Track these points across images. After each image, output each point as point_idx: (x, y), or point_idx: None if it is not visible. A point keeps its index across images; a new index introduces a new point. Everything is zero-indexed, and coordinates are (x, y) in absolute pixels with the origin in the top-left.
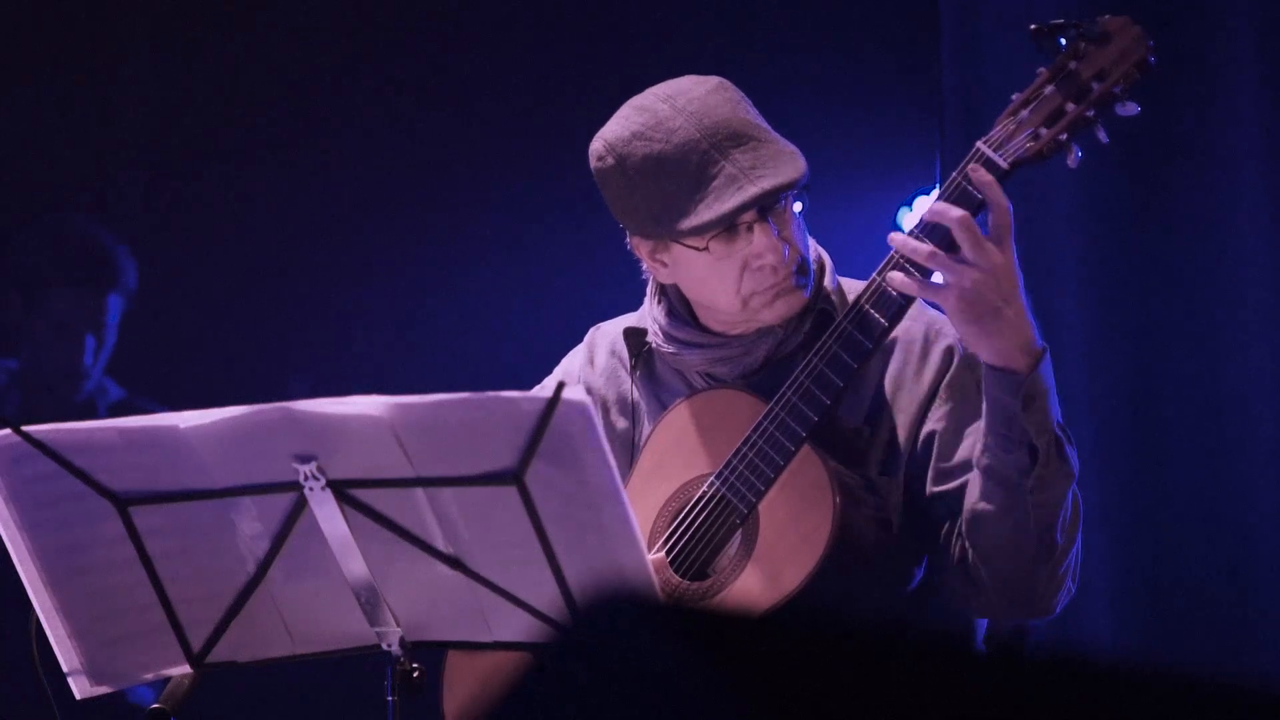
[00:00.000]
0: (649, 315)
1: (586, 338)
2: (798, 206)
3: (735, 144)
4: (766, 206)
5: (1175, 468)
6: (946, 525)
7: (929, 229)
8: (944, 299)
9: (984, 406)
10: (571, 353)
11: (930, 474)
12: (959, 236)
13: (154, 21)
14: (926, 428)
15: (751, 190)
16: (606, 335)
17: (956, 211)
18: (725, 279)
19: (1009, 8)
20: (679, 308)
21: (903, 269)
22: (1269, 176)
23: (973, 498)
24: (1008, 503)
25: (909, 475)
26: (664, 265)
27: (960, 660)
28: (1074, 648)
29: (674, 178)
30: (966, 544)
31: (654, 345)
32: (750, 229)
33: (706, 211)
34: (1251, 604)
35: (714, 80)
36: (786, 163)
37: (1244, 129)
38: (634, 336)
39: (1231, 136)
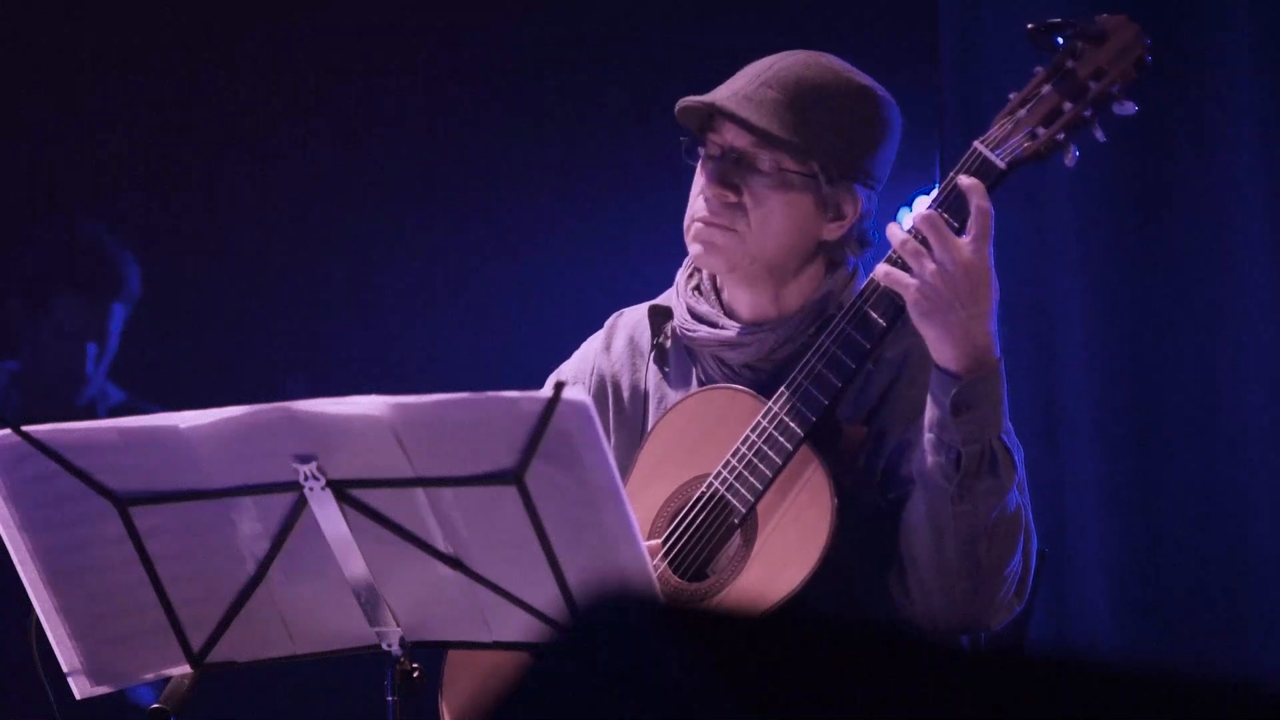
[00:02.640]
0: (676, 290)
1: (607, 322)
2: (763, 168)
3: (766, 84)
4: (716, 155)
5: (1174, 458)
6: (895, 529)
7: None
8: (905, 289)
9: (928, 403)
10: (591, 337)
11: (894, 482)
12: (925, 232)
13: (158, 28)
14: (905, 437)
15: (685, 99)
16: (627, 321)
17: (924, 210)
18: (692, 192)
19: (1009, 8)
20: (706, 283)
21: (897, 264)
22: (1267, 169)
23: (910, 501)
24: (931, 507)
25: (884, 476)
26: None
27: (959, 660)
28: (1073, 647)
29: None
30: (900, 549)
31: (676, 326)
32: (723, 155)
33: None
34: (1250, 600)
35: (860, 80)
36: (758, 112)
37: (1242, 122)
38: (658, 316)
39: (1230, 130)
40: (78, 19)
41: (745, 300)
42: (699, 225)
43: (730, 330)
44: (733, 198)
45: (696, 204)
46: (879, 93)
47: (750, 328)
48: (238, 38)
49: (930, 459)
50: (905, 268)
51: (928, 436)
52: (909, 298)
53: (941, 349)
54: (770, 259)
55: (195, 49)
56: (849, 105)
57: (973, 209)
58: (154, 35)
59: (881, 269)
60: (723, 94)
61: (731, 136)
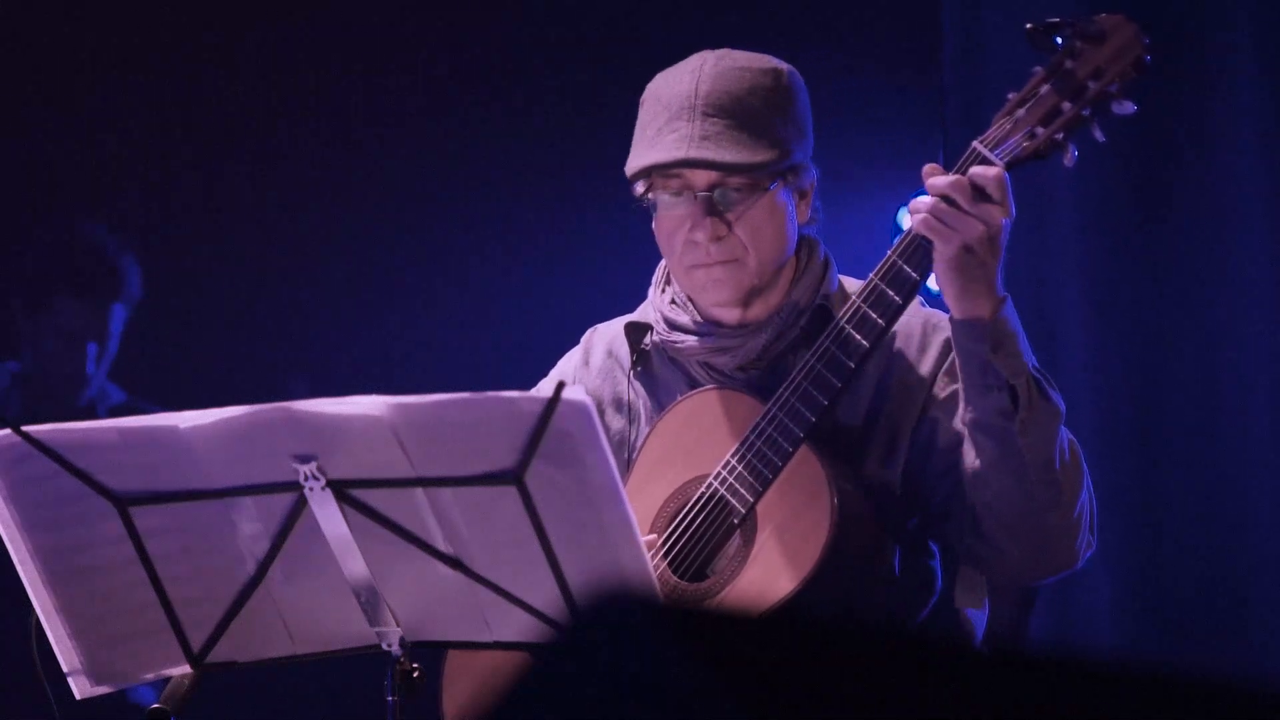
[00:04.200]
0: (652, 306)
1: (583, 339)
2: (767, 199)
3: (705, 114)
4: (709, 188)
5: (1174, 465)
6: (955, 499)
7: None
8: (950, 245)
9: (957, 362)
10: (567, 354)
11: (935, 456)
12: (955, 195)
13: (158, 28)
14: (929, 414)
15: (651, 157)
16: (604, 336)
17: (949, 177)
18: (669, 240)
19: (1010, 8)
20: (680, 295)
21: (908, 263)
22: (1267, 170)
23: (969, 458)
24: (1000, 451)
25: (910, 464)
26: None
27: (960, 660)
28: (1074, 647)
29: (649, 115)
30: (977, 507)
31: (656, 338)
32: (696, 198)
33: (634, 157)
34: (1250, 600)
35: (767, 63)
36: (722, 147)
37: (1243, 127)
38: (635, 331)
39: (1230, 134)
40: (78, 19)
41: (731, 310)
42: (701, 271)
43: (716, 335)
44: (724, 231)
45: (690, 250)
46: (783, 66)
47: (737, 330)
48: (238, 38)
49: (980, 405)
50: (917, 250)
51: (970, 388)
52: (948, 255)
53: (969, 300)
54: (772, 265)
55: (195, 49)
56: (775, 97)
57: (987, 179)
58: (154, 35)
59: (920, 218)
60: (672, 145)
61: (700, 177)
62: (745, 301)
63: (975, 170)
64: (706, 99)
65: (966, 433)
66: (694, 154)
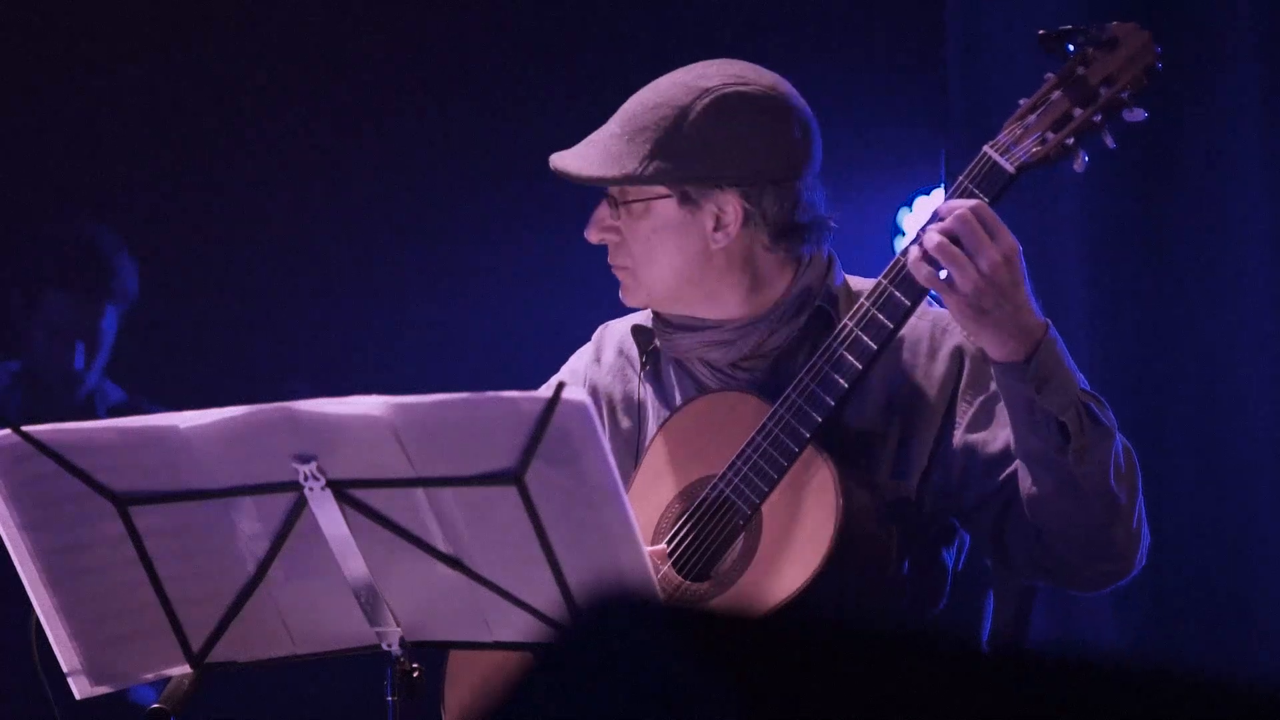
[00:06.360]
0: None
1: (594, 335)
2: (640, 208)
3: (615, 121)
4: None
5: (1176, 468)
6: (1008, 517)
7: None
8: (949, 297)
9: (1003, 399)
10: (579, 351)
11: (974, 478)
12: (962, 235)
13: (155, 25)
14: (959, 435)
15: (551, 158)
16: (615, 333)
17: (959, 213)
18: None
19: (1014, 10)
20: None
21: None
22: (1269, 180)
23: (1025, 484)
24: (1057, 483)
25: (938, 480)
26: None
27: (962, 660)
28: (1074, 647)
29: None
30: (1039, 527)
31: (657, 341)
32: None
33: None
34: (1250, 600)
35: (710, 81)
36: (587, 158)
37: (1245, 133)
38: (642, 334)
39: (1232, 140)
40: (77, 19)
41: (714, 310)
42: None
43: (710, 330)
44: (615, 237)
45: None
46: (726, 90)
47: (732, 325)
48: (239, 37)
49: (1031, 441)
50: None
51: (1018, 425)
52: (952, 305)
53: (995, 345)
54: (670, 284)
55: (197, 49)
56: (676, 115)
57: (954, 211)
58: (154, 35)
59: (925, 272)
60: (569, 149)
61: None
62: (691, 302)
63: (951, 217)
64: (628, 106)
65: (1020, 460)
66: (554, 159)
